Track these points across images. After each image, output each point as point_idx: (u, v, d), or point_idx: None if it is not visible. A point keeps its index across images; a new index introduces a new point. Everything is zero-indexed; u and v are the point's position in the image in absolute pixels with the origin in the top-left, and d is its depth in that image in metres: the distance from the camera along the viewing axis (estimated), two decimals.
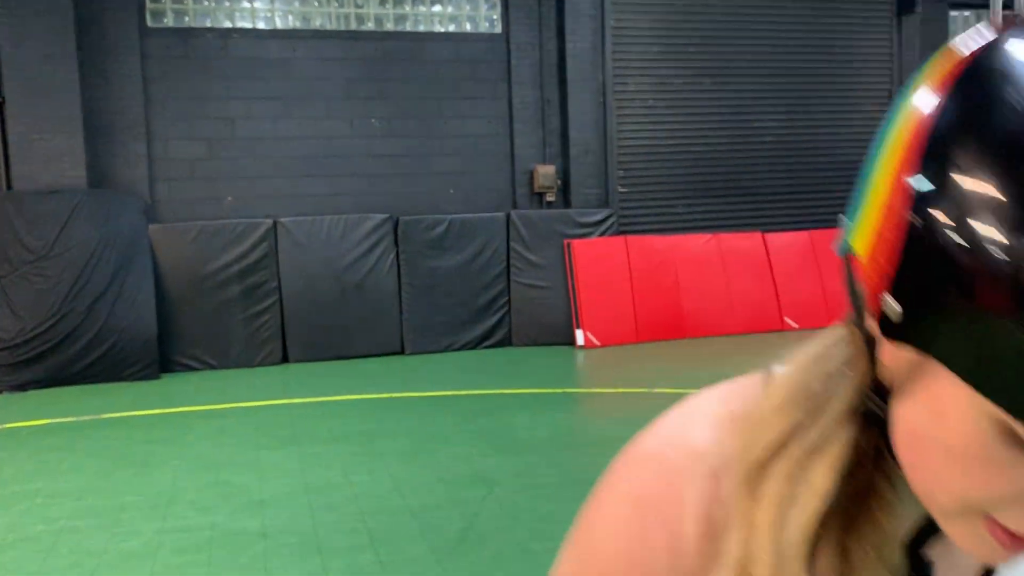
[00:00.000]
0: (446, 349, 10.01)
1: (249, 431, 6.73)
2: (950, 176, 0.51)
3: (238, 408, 7.54)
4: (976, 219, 0.49)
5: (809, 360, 0.64)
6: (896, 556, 0.61)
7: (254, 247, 9.48)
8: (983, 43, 0.54)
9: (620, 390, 7.85)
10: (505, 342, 10.19)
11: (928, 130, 0.53)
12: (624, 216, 10.84)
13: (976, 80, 0.52)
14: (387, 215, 9.95)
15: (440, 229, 9.98)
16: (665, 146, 11.14)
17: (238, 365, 9.38)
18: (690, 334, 10.11)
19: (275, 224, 9.58)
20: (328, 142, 10.13)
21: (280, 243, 9.57)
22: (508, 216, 10.23)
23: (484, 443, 6.14)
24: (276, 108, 9.96)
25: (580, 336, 9.98)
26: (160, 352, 9.04)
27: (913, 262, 0.53)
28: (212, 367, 9.33)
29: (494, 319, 10.21)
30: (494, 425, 6.65)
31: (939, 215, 0.51)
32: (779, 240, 10.82)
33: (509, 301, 10.23)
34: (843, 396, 0.60)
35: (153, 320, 8.90)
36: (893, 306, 0.54)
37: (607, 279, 10.10)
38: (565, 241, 10.19)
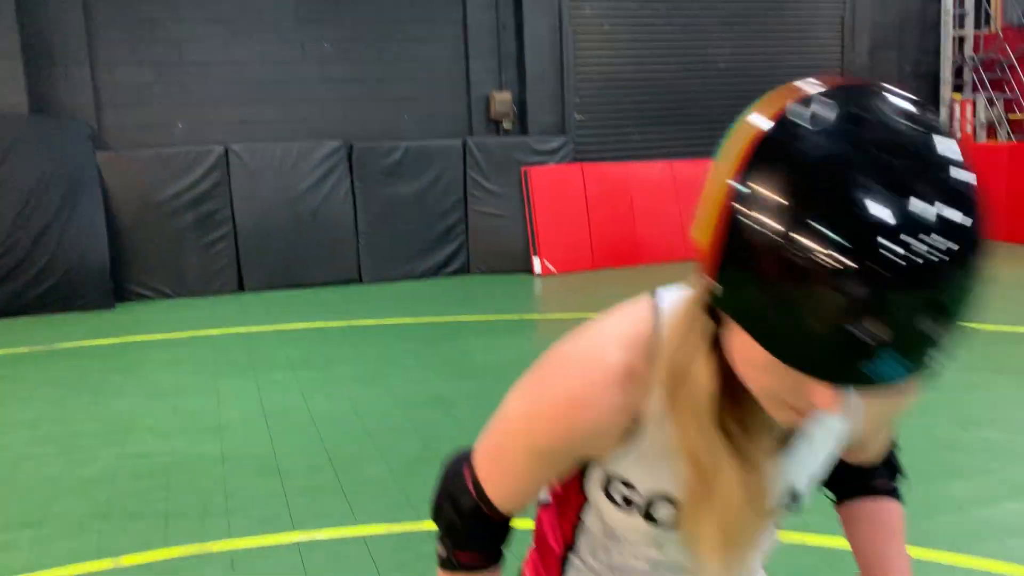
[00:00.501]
0: (403, 277, 10.03)
1: (206, 359, 6.74)
2: (756, 185, 0.76)
3: (195, 337, 7.53)
4: (769, 217, 0.75)
5: (681, 307, 0.95)
6: (775, 425, 0.94)
7: (206, 175, 9.32)
8: (801, 94, 0.80)
9: (576, 315, 7.97)
10: (463, 270, 10.23)
11: (752, 148, 0.78)
12: (580, 143, 10.83)
13: (787, 126, 0.78)
14: (341, 142, 9.81)
15: (396, 156, 9.89)
16: (621, 73, 11.07)
17: (193, 294, 9.32)
18: (645, 260, 10.24)
19: (227, 151, 9.41)
20: (279, 67, 9.90)
21: (232, 171, 9.42)
22: (464, 143, 10.15)
23: (441, 367, 6.24)
24: (225, 31, 9.68)
25: (537, 264, 10.05)
26: (114, 281, 8.93)
27: (728, 249, 0.79)
28: (167, 296, 9.26)
29: (451, 247, 10.22)
30: (451, 350, 6.74)
31: (748, 211, 0.77)
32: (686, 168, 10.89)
33: (467, 229, 10.23)
34: (701, 331, 0.91)
35: (105, 249, 8.77)
36: (714, 284, 0.82)
37: (563, 207, 10.14)
38: (522, 169, 10.17)
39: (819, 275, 0.72)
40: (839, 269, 0.71)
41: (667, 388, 0.95)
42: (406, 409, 5.27)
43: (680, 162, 10.69)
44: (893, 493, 1.26)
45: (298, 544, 3.52)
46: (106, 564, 3.41)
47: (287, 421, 5.12)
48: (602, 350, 0.99)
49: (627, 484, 1.04)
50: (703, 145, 11.36)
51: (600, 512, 1.12)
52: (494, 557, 1.19)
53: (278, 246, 9.60)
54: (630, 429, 0.99)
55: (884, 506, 1.25)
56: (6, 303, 8.46)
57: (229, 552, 3.47)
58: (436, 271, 10.17)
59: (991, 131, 12.07)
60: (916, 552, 3.27)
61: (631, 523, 1.08)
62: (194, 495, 4.07)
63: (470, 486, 1.13)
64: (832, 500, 1.30)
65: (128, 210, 9.11)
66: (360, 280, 9.95)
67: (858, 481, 1.26)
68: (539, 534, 1.26)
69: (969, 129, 12.10)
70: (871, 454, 1.24)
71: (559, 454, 1.04)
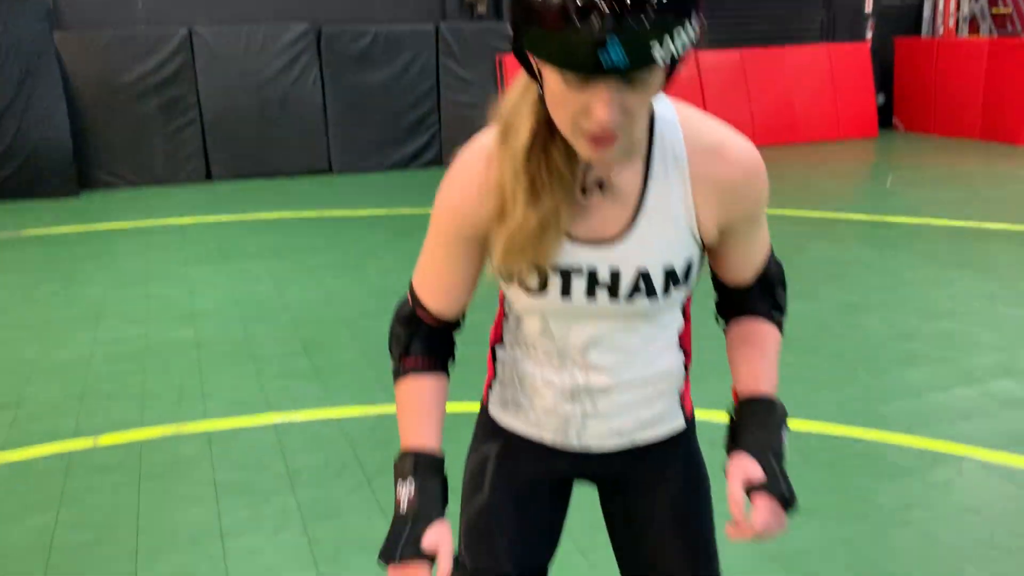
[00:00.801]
0: (375, 168, 9.90)
1: (176, 247, 6.68)
2: None
3: (163, 225, 7.44)
4: None
5: (517, 80, 1.20)
6: (576, 167, 1.19)
7: (170, 58, 9.02)
8: None
9: None
10: (436, 161, 10.11)
11: None
12: None
13: None
14: (308, 24, 9.50)
15: (365, 41, 9.61)
16: None
17: (160, 182, 9.16)
18: None
19: (190, 33, 9.09)
20: None
21: (197, 54, 9.11)
22: (437, 28, 9.87)
23: (415, 259, 6.22)
24: None
25: None
26: (78, 168, 8.74)
27: (512, 14, 1.06)
28: (133, 184, 9.10)
29: (424, 137, 10.07)
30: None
31: None
32: (710, 58, 10.74)
33: (439, 119, 10.06)
34: (526, 91, 1.18)
35: (67, 134, 8.54)
36: (514, 42, 1.09)
37: None
38: (497, 56, 9.95)
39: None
40: None
41: (497, 140, 1.20)
42: (380, 299, 5.30)
43: None
44: (770, 318, 1.38)
45: (274, 425, 3.59)
46: (85, 443, 3.47)
47: (260, 310, 5.14)
48: (474, 143, 1.27)
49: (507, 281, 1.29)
50: None
51: (508, 299, 1.34)
52: (437, 363, 1.38)
53: (246, 134, 9.40)
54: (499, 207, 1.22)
55: (759, 326, 1.38)
56: None
57: (206, 432, 3.54)
58: (408, 162, 10.05)
59: (973, 25, 11.94)
60: (871, 434, 3.42)
61: (515, 297, 1.30)
62: (169, 379, 4.11)
63: (408, 298, 1.39)
64: (721, 327, 1.45)
65: (89, 94, 8.83)
66: (331, 170, 9.82)
67: (737, 304, 1.39)
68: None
69: (952, 23, 11.96)
70: (742, 275, 1.36)
71: (457, 234, 1.28)
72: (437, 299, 1.35)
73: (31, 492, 3.11)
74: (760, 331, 1.38)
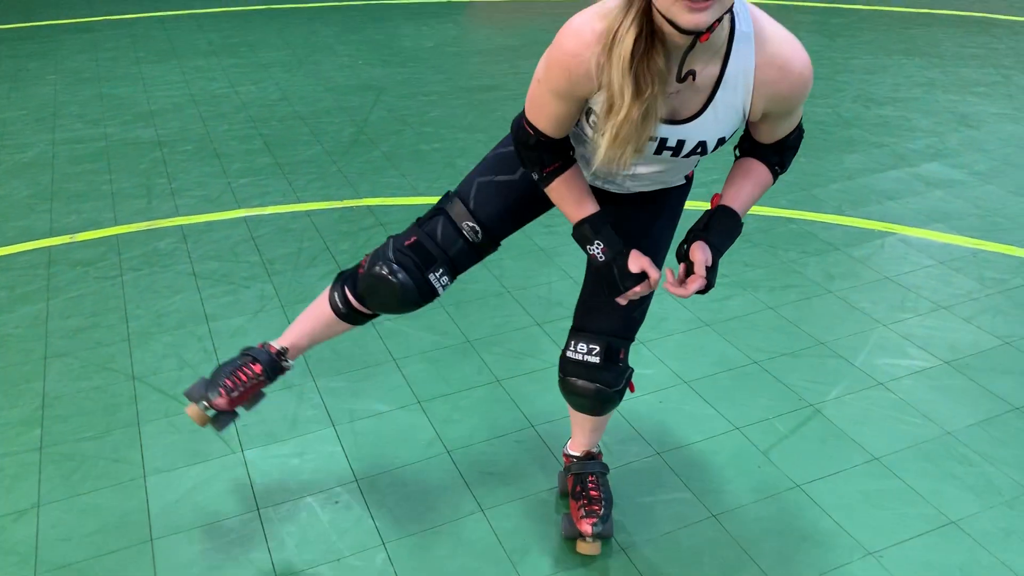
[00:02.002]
0: None
1: (124, 45, 6.51)
2: None
3: (107, 20, 7.19)
4: None
5: None
6: (674, 69, 1.47)
7: None
8: None
9: None
10: None
11: None
12: None
13: None
14: None
15: None
16: None
17: None
18: None
19: None
20: None
21: None
22: None
23: (369, 53, 6.19)
24: None
25: None
26: None
27: None
28: None
29: None
30: (379, 35, 6.64)
31: None
32: None
33: None
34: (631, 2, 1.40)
35: None
36: None
37: None
38: None
39: None
40: None
41: (605, 44, 1.43)
42: (336, 95, 5.33)
43: None
44: (769, 165, 1.71)
45: (245, 218, 3.76)
46: (63, 240, 3.62)
47: (218, 107, 5.15)
48: (587, 22, 1.46)
49: (590, 110, 1.57)
50: None
51: (580, 127, 1.66)
52: (567, 161, 1.68)
53: None
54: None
55: (758, 166, 1.72)
56: None
57: (179, 227, 3.70)
58: None
59: None
60: (804, 215, 3.69)
61: (583, 130, 1.64)
62: (137, 178, 4.21)
63: (528, 129, 1.65)
64: (736, 156, 1.76)
65: None
66: None
67: (751, 150, 1.72)
68: None
69: None
70: (766, 140, 1.68)
71: (566, 92, 1.53)
72: (551, 129, 1.63)
73: (18, 285, 3.28)
74: (757, 169, 1.70)
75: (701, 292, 1.62)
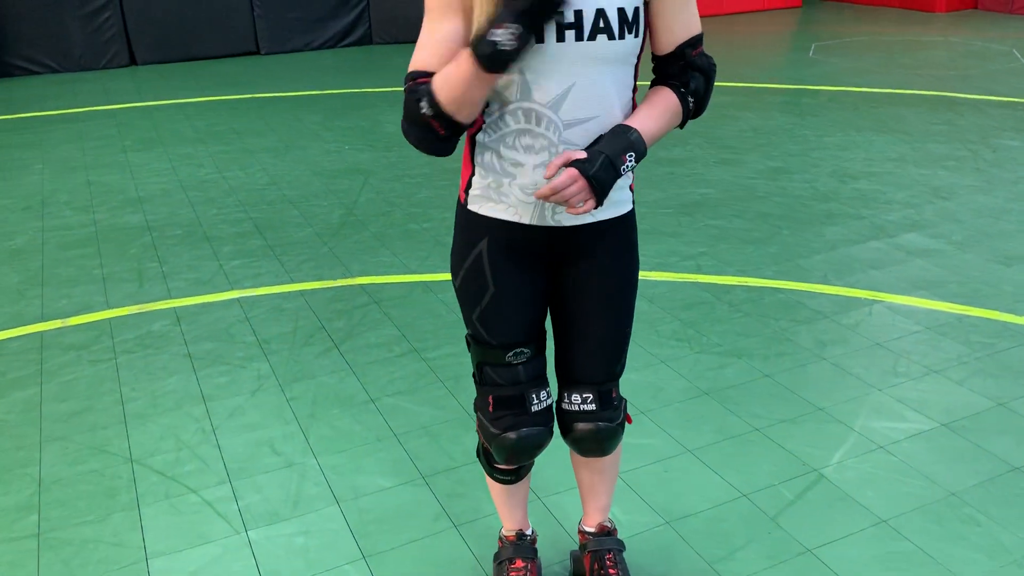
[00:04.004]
0: (304, 48, 9.72)
1: (111, 134, 6.60)
2: None
3: (94, 111, 7.29)
4: None
5: None
6: None
7: None
8: None
9: None
10: (365, 40, 9.97)
11: None
12: None
13: None
14: None
15: None
16: None
17: (83, 68, 8.87)
18: None
19: None
20: None
21: None
22: None
23: (355, 139, 6.31)
24: None
25: None
26: None
27: None
28: (55, 70, 8.80)
29: (352, 15, 9.89)
30: (362, 122, 6.78)
31: None
32: None
33: None
34: None
35: None
36: None
37: None
38: None
39: None
40: None
41: None
42: (324, 179, 5.41)
43: None
44: (674, 89, 1.65)
45: (239, 299, 3.77)
46: (55, 324, 3.60)
47: (206, 193, 5.21)
48: None
49: None
50: None
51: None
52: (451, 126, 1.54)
53: (168, 16, 9.11)
54: None
55: (660, 91, 1.66)
56: None
57: (173, 309, 3.70)
58: (338, 41, 9.89)
59: None
60: (792, 285, 3.77)
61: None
62: (127, 262, 4.22)
63: (412, 85, 1.55)
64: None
65: None
66: (258, 51, 9.62)
67: (658, 76, 1.68)
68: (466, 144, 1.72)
69: None
70: (665, 44, 1.63)
71: (448, 4, 1.50)
72: (441, 62, 1.52)
73: (10, 370, 3.25)
74: (659, 94, 1.64)
75: (593, 192, 1.52)
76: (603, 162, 1.52)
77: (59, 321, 3.63)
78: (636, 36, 1.55)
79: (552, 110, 1.54)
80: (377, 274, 4.00)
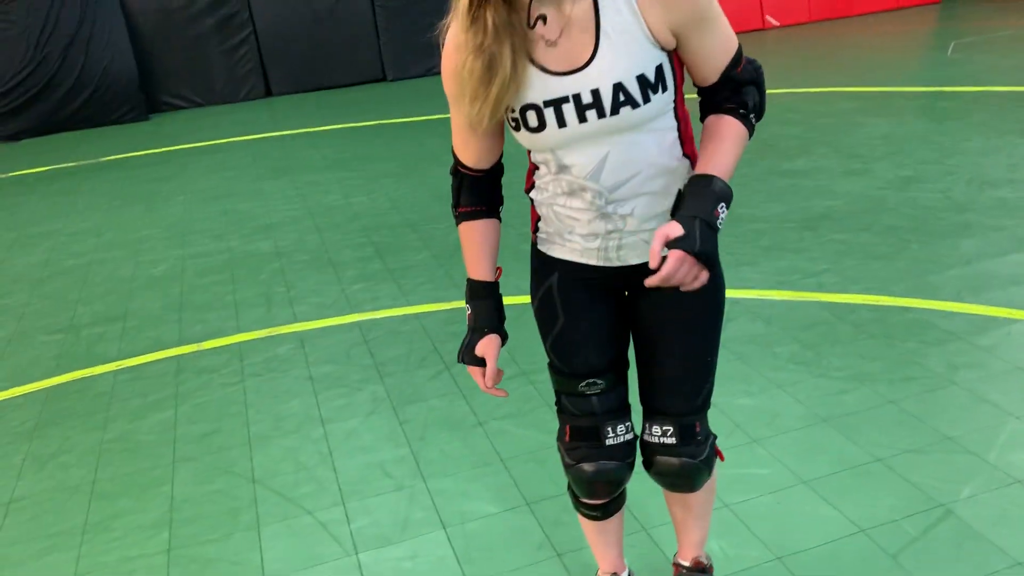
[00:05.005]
0: (428, 73, 9.98)
1: (246, 163, 6.98)
2: None
3: (231, 142, 7.73)
4: None
5: None
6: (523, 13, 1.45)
7: None
8: None
9: None
10: None
11: None
12: None
13: None
14: None
15: None
16: None
17: (223, 101, 9.43)
18: None
19: None
20: None
21: None
22: None
23: None
24: None
25: None
26: (145, 93, 9.05)
27: None
28: (199, 104, 9.39)
29: None
30: None
31: None
32: None
33: None
34: None
35: (132, 61, 8.82)
36: None
37: None
38: None
39: None
40: None
41: (452, 10, 1.48)
42: (444, 202, 5.53)
43: None
44: (734, 114, 1.54)
45: (358, 323, 3.90)
46: (190, 348, 3.83)
47: (331, 218, 5.42)
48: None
49: (510, 109, 1.52)
50: None
51: (523, 145, 1.59)
52: (483, 209, 1.72)
53: (300, 48, 9.56)
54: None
55: (721, 120, 1.54)
56: (44, 121, 8.67)
57: (298, 333, 3.87)
58: None
59: None
60: (919, 303, 3.56)
61: (524, 139, 1.56)
62: (257, 288, 4.44)
63: (454, 157, 1.71)
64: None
65: (147, 19, 9.07)
66: (384, 78, 9.94)
67: (708, 104, 1.57)
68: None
69: None
70: (707, 75, 1.53)
71: (457, 94, 1.53)
72: (464, 153, 1.67)
73: (150, 392, 3.48)
74: (720, 124, 1.53)
75: (702, 264, 1.42)
76: (702, 231, 1.42)
77: (195, 345, 3.86)
78: (665, 91, 1.48)
79: (592, 180, 1.53)
80: None
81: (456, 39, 1.50)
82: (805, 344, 3.33)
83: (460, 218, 1.73)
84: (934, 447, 2.65)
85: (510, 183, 1.81)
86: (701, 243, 1.41)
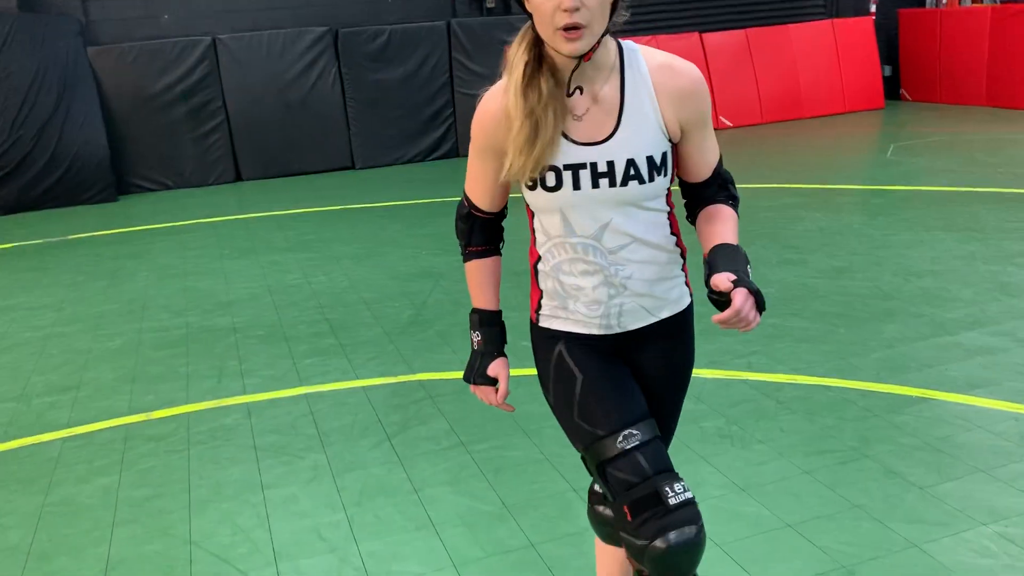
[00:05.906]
0: (395, 162, 10.31)
1: (210, 244, 7.14)
2: None
3: (197, 224, 7.92)
4: None
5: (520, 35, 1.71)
6: (564, 87, 1.70)
7: (195, 66, 9.49)
8: None
9: None
10: (452, 153, 10.50)
11: None
12: None
13: None
14: (326, 27, 9.92)
15: (381, 40, 10.01)
16: None
17: (193, 185, 9.65)
18: None
19: (214, 41, 9.55)
20: None
21: (221, 61, 9.58)
22: (449, 25, 10.25)
23: (432, 244, 6.64)
24: None
25: None
26: (115, 175, 9.25)
27: None
28: (168, 187, 9.60)
29: (440, 130, 10.46)
30: (442, 229, 7.12)
31: None
32: (715, 40, 11.00)
33: (454, 112, 10.44)
34: (524, 32, 1.69)
35: (104, 143, 9.05)
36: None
37: None
38: (506, 48, 10.28)
39: None
40: None
41: (505, 75, 1.70)
42: (399, 282, 5.71)
43: (664, 36, 10.80)
44: (727, 203, 1.83)
45: (306, 395, 4.02)
46: (140, 418, 3.91)
47: (290, 296, 5.57)
48: (497, 86, 1.74)
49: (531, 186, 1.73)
50: (687, 18, 11.38)
51: (531, 206, 1.79)
52: (491, 248, 1.93)
53: (271, 135, 9.86)
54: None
55: (719, 208, 1.82)
56: (16, 199, 8.82)
57: (245, 404, 3.97)
58: (427, 155, 10.45)
59: None
60: (842, 383, 3.76)
61: (538, 198, 1.74)
62: (210, 361, 4.55)
63: (464, 201, 1.91)
64: (691, 224, 1.89)
65: (123, 104, 9.34)
66: (353, 166, 10.25)
67: (700, 199, 1.85)
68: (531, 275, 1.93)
69: None
70: (701, 171, 1.81)
71: (485, 147, 1.77)
72: (480, 199, 1.87)
73: (96, 459, 3.55)
74: (720, 210, 1.81)
75: (757, 306, 1.61)
76: (749, 280, 1.64)
77: (144, 414, 3.94)
78: (664, 176, 1.73)
79: (595, 240, 1.73)
80: (436, 370, 4.19)
81: (496, 101, 1.71)
82: (731, 419, 3.50)
83: (470, 256, 1.92)
84: (843, 514, 2.80)
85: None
86: (752, 283, 1.63)
